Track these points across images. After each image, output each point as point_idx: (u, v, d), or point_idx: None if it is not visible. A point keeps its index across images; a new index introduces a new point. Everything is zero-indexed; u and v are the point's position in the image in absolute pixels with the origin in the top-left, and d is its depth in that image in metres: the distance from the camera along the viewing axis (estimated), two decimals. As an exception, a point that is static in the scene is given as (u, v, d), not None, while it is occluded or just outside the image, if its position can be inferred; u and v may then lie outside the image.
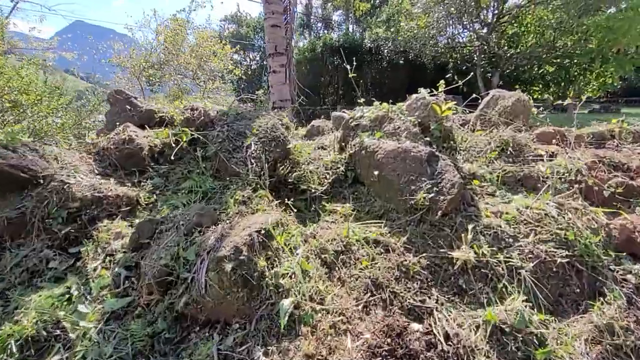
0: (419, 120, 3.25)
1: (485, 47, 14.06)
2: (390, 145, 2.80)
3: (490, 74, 15.40)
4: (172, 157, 2.75)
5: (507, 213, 2.36)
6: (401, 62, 15.49)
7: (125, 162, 2.64)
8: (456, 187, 2.37)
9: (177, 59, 7.59)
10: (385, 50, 15.86)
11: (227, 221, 2.09)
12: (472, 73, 15.78)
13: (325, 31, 25.71)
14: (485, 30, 14.73)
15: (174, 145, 2.80)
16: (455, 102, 3.60)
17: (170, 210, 2.37)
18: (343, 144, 3.56)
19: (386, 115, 3.29)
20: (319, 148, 3.72)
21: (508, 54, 14.05)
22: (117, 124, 3.03)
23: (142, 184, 2.61)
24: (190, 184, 2.64)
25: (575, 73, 16.03)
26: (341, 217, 2.76)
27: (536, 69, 15.80)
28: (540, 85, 17.92)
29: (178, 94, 7.97)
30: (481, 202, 2.58)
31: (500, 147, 3.29)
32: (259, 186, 2.61)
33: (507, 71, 15.01)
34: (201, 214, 2.07)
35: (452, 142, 3.43)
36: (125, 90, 3.30)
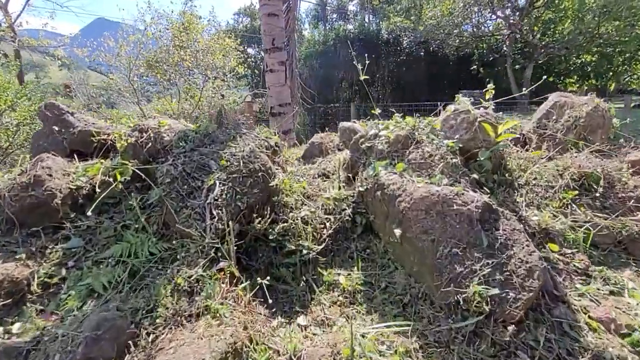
0: (461, 144, 2.26)
1: (517, 35, 12.57)
2: (419, 189, 1.85)
3: (521, 66, 13.89)
4: (103, 205, 1.91)
5: (626, 325, 1.38)
6: (421, 54, 14.21)
7: (27, 216, 1.82)
8: (536, 277, 1.41)
9: (185, 56, 6.79)
10: (405, 41, 14.60)
11: (142, 351, 1.23)
12: (499, 65, 14.25)
13: (340, 22, 24.48)
14: (517, 16, 13.20)
15: (110, 184, 1.95)
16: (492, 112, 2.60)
17: (78, 302, 1.54)
18: (352, 172, 2.63)
19: (410, 136, 2.33)
20: (319, 176, 2.80)
21: (543, 43, 12.52)
22: (45, 151, 2.21)
23: (50, 250, 1.77)
24: (121, 249, 1.79)
25: (619, 63, 14.28)
26: (344, 297, 1.85)
27: (574, 58, 14.16)
28: (577, 77, 16.17)
29: (192, 91, 7.09)
30: (570, 291, 1.61)
31: (579, 182, 2.27)
32: (219, 255, 1.73)
33: (540, 62, 13.47)
34: (96, 338, 1.20)
35: (505, 173, 2.43)
36: (59, 105, 2.46)
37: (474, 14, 15.27)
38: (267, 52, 4.45)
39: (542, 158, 2.60)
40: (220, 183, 2.00)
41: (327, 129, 12.53)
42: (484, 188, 2.19)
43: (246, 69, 11.03)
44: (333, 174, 2.78)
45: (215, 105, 10.13)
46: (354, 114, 11.28)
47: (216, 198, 1.94)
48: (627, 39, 12.65)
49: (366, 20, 21.19)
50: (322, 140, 3.23)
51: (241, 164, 2.12)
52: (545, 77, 4.13)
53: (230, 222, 1.79)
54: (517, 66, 14.33)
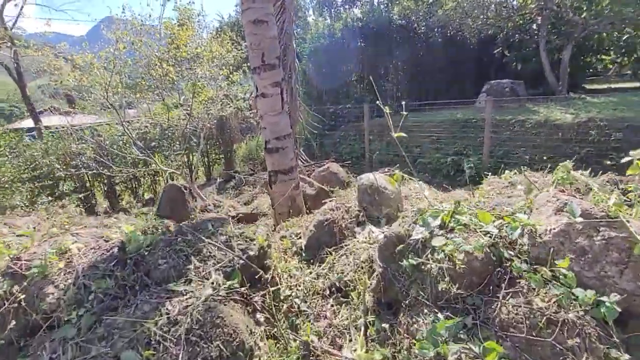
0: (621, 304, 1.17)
1: (553, 10, 10.89)
2: None
3: (555, 46, 12.19)
4: None
5: None
6: (439, 40, 12.70)
7: None
8: None
9: (169, 69, 5.80)
10: (422, 27, 13.09)
11: None
12: (527, 46, 12.57)
13: (347, 7, 22.79)
14: None
15: None
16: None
17: None
18: (385, 295, 1.60)
19: (496, 261, 1.27)
20: (331, 293, 1.78)
21: (582, 18, 10.80)
22: None
23: None
24: None
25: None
26: None
27: (616, 33, 12.36)
28: (618, 54, 14.26)
29: (198, 86, 6.03)
30: None
31: None
32: None
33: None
34: None
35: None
36: None
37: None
38: (256, 72, 3.37)
39: None
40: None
41: (335, 135, 11.29)
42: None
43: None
44: (353, 290, 1.75)
45: (215, 114, 9.16)
46: (368, 115, 10.08)
47: None
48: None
49: (375, 3, 19.53)
50: (333, 216, 2.18)
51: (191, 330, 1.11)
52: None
53: None
54: (548, 46, 12.58)
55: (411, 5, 13.96)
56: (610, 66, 15.86)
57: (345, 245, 2.02)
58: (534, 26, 12.93)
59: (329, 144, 11.65)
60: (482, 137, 8.30)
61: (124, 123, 6.09)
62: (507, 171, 2.56)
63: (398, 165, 9.19)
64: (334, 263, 1.90)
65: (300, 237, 2.21)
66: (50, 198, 5.91)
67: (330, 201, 2.40)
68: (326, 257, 1.95)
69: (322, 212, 2.20)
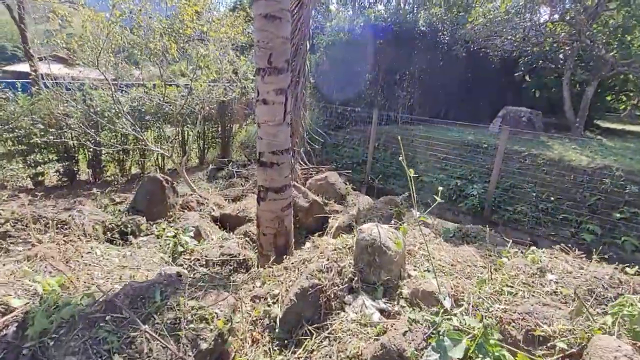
0: None
1: (585, 44, 10.36)
2: None
3: (579, 80, 11.73)
4: None
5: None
6: (464, 54, 12.13)
7: None
8: None
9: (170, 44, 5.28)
10: (446, 38, 12.52)
11: None
12: (549, 75, 12.09)
13: (372, 1, 21.93)
14: (582, 14, 10.75)
15: None
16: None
17: None
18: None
19: None
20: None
21: (612, 55, 10.31)
22: None
23: None
24: None
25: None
26: None
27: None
28: (632, 95, 13.85)
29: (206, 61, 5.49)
30: None
31: None
32: None
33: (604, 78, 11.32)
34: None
35: None
36: None
37: (529, 11, 12.97)
38: (260, 74, 2.91)
39: None
40: None
41: (340, 136, 10.75)
42: None
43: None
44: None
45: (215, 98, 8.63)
46: (376, 121, 9.61)
47: None
48: None
49: (401, 4, 18.80)
50: (321, 282, 1.77)
51: None
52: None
53: None
54: (572, 79, 12.11)
55: (439, 12, 13.34)
56: (627, 107, 15.44)
57: (331, 324, 1.63)
58: (561, 56, 12.42)
59: (332, 145, 11.20)
60: (490, 164, 7.92)
61: (114, 95, 5.58)
62: (533, 248, 2.17)
63: (402, 183, 8.79)
64: (313, 351, 1.51)
65: (276, 302, 1.81)
66: (22, 165, 5.43)
67: (319, 260, 1.98)
68: (305, 339, 1.56)
69: (309, 275, 1.79)
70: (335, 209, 5.56)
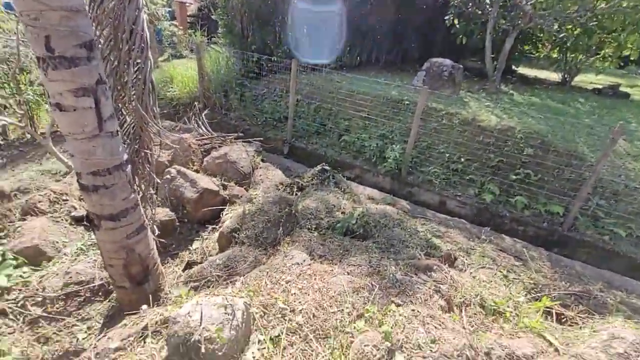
0: None
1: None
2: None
3: (500, 30, 11.66)
4: None
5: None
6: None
7: None
8: None
9: None
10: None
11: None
12: (477, 20, 11.85)
13: None
14: None
15: None
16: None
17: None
18: None
19: None
20: None
21: (531, 8, 10.24)
22: None
23: None
24: None
25: (597, 40, 12.77)
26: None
27: (556, 26, 12.25)
28: (553, 50, 14.49)
29: None
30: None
31: None
32: None
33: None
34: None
35: None
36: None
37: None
38: (41, 67, 1.92)
39: None
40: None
41: (259, 87, 9.39)
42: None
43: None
44: None
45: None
46: (296, 72, 8.56)
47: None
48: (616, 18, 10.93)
49: None
50: None
51: None
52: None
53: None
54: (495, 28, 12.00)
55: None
56: (541, 55, 16.24)
57: None
58: (487, 0, 12.01)
59: (250, 97, 10.00)
60: (410, 123, 7.74)
61: None
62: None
63: (325, 141, 8.26)
64: None
65: None
66: None
67: None
68: None
69: None
70: (235, 194, 4.91)
